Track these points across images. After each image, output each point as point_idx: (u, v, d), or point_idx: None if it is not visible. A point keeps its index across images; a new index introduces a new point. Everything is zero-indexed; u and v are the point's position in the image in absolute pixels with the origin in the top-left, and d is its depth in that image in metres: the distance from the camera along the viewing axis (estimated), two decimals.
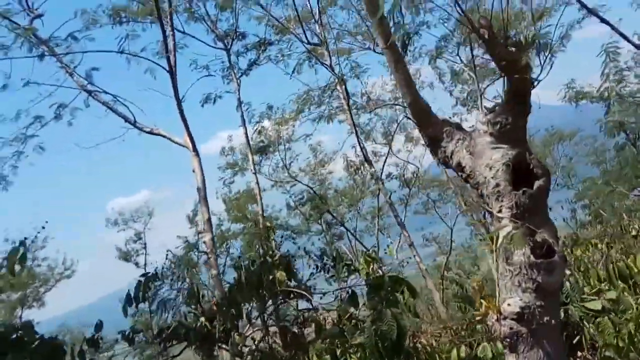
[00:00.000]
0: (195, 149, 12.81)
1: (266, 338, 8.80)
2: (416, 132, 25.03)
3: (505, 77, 4.53)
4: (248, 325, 9.32)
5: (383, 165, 23.88)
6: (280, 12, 19.05)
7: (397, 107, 23.82)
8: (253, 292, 8.76)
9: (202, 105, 18.23)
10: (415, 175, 26.62)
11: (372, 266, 7.74)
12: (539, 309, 4.14)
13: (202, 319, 8.63)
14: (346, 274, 9.22)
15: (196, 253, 23.35)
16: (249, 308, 9.00)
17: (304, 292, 8.81)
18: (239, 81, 18.56)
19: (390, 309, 6.40)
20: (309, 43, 18.82)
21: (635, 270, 8.45)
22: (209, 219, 12.33)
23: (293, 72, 19.25)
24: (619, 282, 8.36)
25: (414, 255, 18.25)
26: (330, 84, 20.00)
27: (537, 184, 4.42)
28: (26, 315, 24.78)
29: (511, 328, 4.16)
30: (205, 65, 18.43)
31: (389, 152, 24.48)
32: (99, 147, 14.48)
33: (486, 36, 4.37)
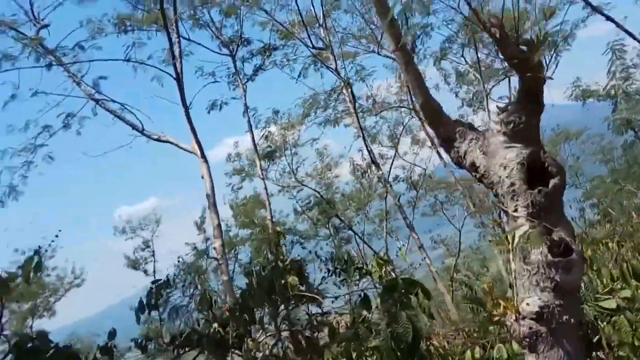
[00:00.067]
0: (203, 155, 12.84)
1: (279, 343, 8.79)
2: (422, 134, 25.06)
3: (518, 76, 4.51)
4: (261, 331, 9.31)
5: (390, 168, 23.89)
6: (284, 17, 19.16)
7: (403, 109, 23.83)
8: (265, 297, 8.75)
9: (209, 112, 18.31)
10: (422, 177, 26.58)
11: (384, 269, 7.70)
12: (558, 308, 4.10)
13: (215, 325, 8.62)
14: (357, 277, 9.20)
15: (205, 259, 23.41)
16: (262, 313, 8.99)
17: (316, 296, 8.79)
18: (244, 87, 18.62)
19: (405, 311, 6.37)
20: (314, 47, 18.86)
21: None
22: (219, 225, 12.34)
23: (299, 76, 19.33)
24: (633, 280, 8.29)
25: (424, 258, 18.21)
26: (336, 88, 20.03)
27: (552, 182, 4.40)
28: (37, 325, 24.87)
29: (530, 328, 4.13)
30: (211, 72, 18.53)
31: (395, 154, 24.49)
32: (106, 155, 14.58)
33: (497, 35, 4.36)
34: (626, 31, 11.77)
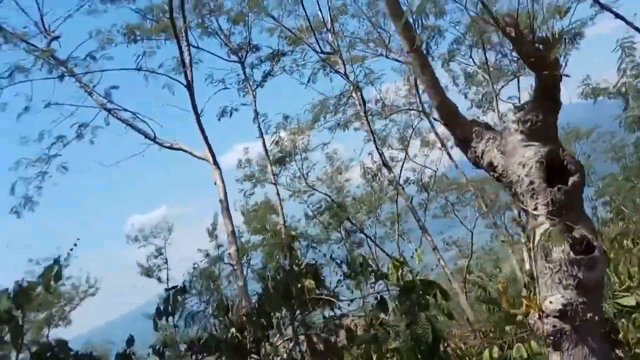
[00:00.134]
0: (215, 162, 12.90)
1: (297, 347, 8.80)
2: (432, 136, 25.02)
3: (534, 74, 4.51)
4: (278, 335, 9.33)
5: (400, 170, 23.88)
6: (292, 23, 19.21)
7: (412, 112, 23.83)
8: (282, 302, 8.77)
9: (219, 119, 18.38)
10: (433, 179, 26.55)
11: (401, 271, 7.70)
12: (582, 305, 4.10)
13: (233, 330, 8.65)
14: (373, 280, 9.20)
15: (217, 266, 23.45)
16: (279, 317, 9.01)
17: (333, 300, 8.81)
18: (254, 93, 18.70)
19: (424, 312, 6.38)
20: (322, 52, 18.91)
21: None
22: (233, 231, 12.38)
23: (308, 81, 19.37)
24: None
25: (439, 259, 18.18)
26: (345, 92, 20.05)
27: (571, 180, 4.40)
28: (53, 334, 25.01)
29: (554, 326, 4.13)
30: (221, 79, 18.61)
31: (405, 157, 24.48)
32: (119, 164, 14.67)
33: (513, 34, 4.38)
34: (636, 28, 11.72)
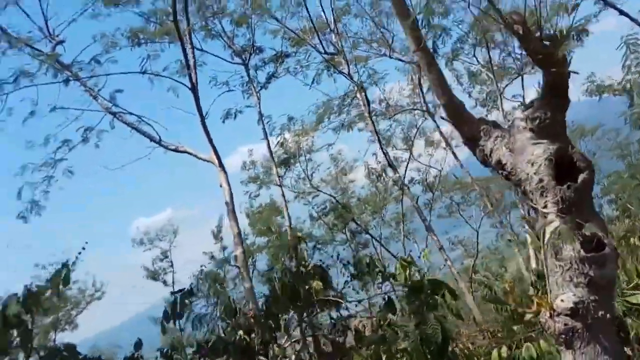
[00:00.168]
0: (221, 164, 12.90)
1: (306, 348, 8.79)
2: (436, 136, 24.98)
3: (542, 72, 4.49)
4: (286, 337, 9.32)
5: (405, 171, 23.85)
6: (295, 24, 19.21)
7: (417, 111, 23.81)
8: (289, 303, 8.76)
9: (223, 121, 18.37)
10: (437, 179, 26.51)
11: (408, 271, 7.69)
12: (593, 303, 4.07)
13: (240, 332, 8.64)
14: (380, 280, 9.18)
15: (223, 268, 23.45)
16: (286, 319, 9.00)
17: (340, 301, 8.80)
18: (258, 95, 18.71)
19: (433, 312, 6.36)
20: (326, 53, 18.90)
21: None
22: (239, 233, 12.37)
23: (312, 82, 19.37)
24: None
25: (445, 260, 18.15)
26: (350, 92, 20.05)
27: (581, 177, 4.37)
28: (59, 339, 25.02)
29: (566, 324, 4.10)
30: (225, 81, 18.62)
31: (410, 157, 24.45)
32: (123, 167, 14.71)
33: (520, 32, 4.36)
34: None
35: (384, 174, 25.23)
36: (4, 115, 12.30)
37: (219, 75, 18.87)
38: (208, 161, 13.23)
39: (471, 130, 4.97)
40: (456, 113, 5.04)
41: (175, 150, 13.78)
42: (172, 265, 27.69)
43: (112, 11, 14.50)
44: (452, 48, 19.26)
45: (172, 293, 9.05)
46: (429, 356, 6.09)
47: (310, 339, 8.90)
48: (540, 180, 4.41)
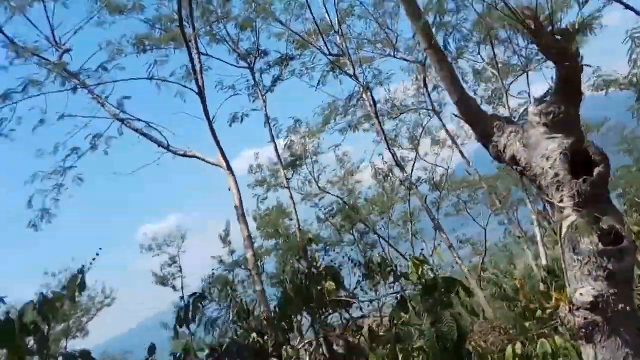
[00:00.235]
0: (229, 168, 12.93)
1: (319, 349, 8.80)
2: (442, 135, 24.98)
3: (555, 66, 4.49)
4: (299, 338, 9.33)
5: (412, 170, 23.86)
6: (300, 27, 19.26)
7: (422, 111, 23.83)
8: (302, 305, 8.78)
9: (230, 125, 18.43)
10: (444, 178, 26.50)
11: (421, 269, 7.69)
12: (613, 296, 4.04)
13: (254, 334, 8.65)
14: (392, 280, 9.19)
15: (232, 271, 23.46)
16: (300, 320, 9.02)
17: (353, 301, 8.81)
18: (264, 98, 18.75)
19: (448, 310, 6.35)
20: (331, 54, 18.94)
21: None
22: (249, 236, 12.37)
23: (318, 84, 19.42)
24: None
25: (456, 258, 18.13)
26: (355, 93, 20.10)
27: (597, 170, 4.35)
28: (71, 346, 25.13)
29: (586, 318, 4.08)
30: (231, 85, 18.69)
31: (416, 156, 24.45)
32: (130, 173, 14.77)
33: (532, 27, 4.36)
34: None
35: (391, 174, 25.26)
36: (13, 124, 12.40)
37: (225, 80, 18.99)
38: (217, 165, 13.26)
39: (484, 127, 4.96)
40: (469, 110, 5.04)
41: (184, 155, 13.83)
42: (181, 271, 27.67)
43: (118, 19, 14.60)
44: (457, 46, 19.25)
45: (182, 298, 9.08)
46: (445, 354, 6.08)
47: (323, 340, 8.91)
48: (556, 175, 4.40)
